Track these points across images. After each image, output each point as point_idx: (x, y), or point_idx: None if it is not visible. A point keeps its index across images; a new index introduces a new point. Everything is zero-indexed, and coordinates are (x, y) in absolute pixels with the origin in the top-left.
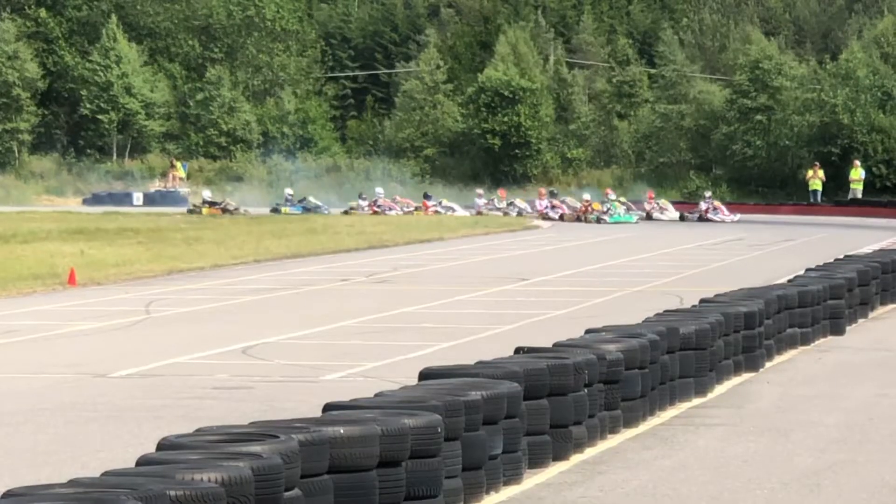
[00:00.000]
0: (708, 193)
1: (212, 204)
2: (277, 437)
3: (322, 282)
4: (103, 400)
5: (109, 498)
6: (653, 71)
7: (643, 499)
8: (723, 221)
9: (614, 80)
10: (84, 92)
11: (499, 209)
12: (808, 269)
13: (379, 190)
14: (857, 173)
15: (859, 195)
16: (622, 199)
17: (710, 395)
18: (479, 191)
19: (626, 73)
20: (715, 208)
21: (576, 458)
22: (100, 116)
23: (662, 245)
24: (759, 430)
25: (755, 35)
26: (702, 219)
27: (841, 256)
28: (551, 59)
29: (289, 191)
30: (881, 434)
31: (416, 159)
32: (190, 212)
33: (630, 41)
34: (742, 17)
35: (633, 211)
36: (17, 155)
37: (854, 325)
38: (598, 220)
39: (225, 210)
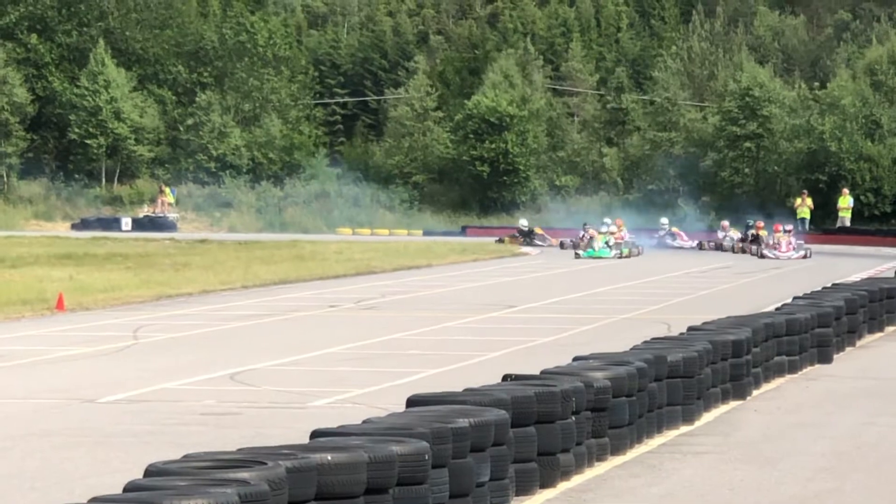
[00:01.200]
0: (788, 227)
1: (523, 234)
2: (265, 463)
3: (310, 308)
4: (91, 425)
5: None
6: (644, 98)
7: None
8: (776, 258)
9: (608, 108)
10: (73, 117)
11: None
12: (795, 298)
13: (663, 221)
14: (846, 201)
15: (847, 223)
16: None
17: (697, 423)
18: (725, 223)
19: (621, 102)
20: (776, 243)
21: (563, 486)
22: (88, 141)
23: (649, 272)
24: (746, 458)
25: (747, 64)
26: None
27: (829, 285)
28: (540, 85)
29: (664, 220)
30: (868, 463)
31: (404, 186)
32: (499, 241)
33: (622, 69)
34: (731, 45)
35: (624, 243)
36: (5, 180)
37: (841, 354)
38: (576, 255)
39: (531, 241)
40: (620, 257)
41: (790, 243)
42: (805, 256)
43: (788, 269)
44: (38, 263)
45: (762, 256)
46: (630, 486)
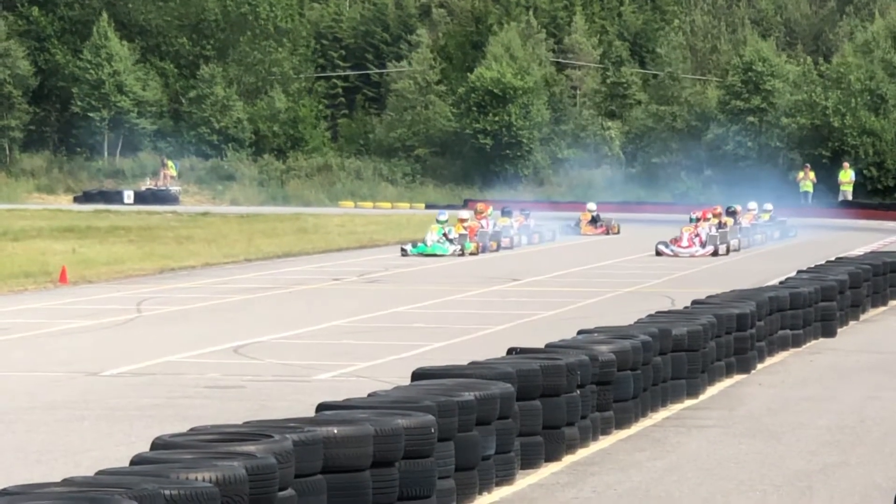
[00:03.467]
0: (697, 213)
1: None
2: (271, 436)
3: (313, 281)
4: (95, 399)
5: (105, 497)
6: (645, 71)
7: (635, 500)
8: (675, 255)
9: (608, 81)
10: (75, 89)
11: None
12: (799, 272)
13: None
14: (847, 175)
15: (849, 197)
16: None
17: (701, 397)
18: None
19: (621, 75)
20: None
21: (568, 459)
22: (91, 114)
23: (653, 246)
24: (750, 432)
25: (751, 36)
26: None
27: (832, 258)
28: (543, 59)
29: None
30: (873, 436)
31: (407, 159)
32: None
33: (623, 42)
34: (733, 19)
35: (465, 238)
36: (8, 152)
37: (845, 328)
38: (403, 252)
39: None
40: (461, 254)
41: (696, 236)
42: (715, 252)
43: (791, 244)
44: (40, 236)
45: (658, 253)
46: (635, 460)
